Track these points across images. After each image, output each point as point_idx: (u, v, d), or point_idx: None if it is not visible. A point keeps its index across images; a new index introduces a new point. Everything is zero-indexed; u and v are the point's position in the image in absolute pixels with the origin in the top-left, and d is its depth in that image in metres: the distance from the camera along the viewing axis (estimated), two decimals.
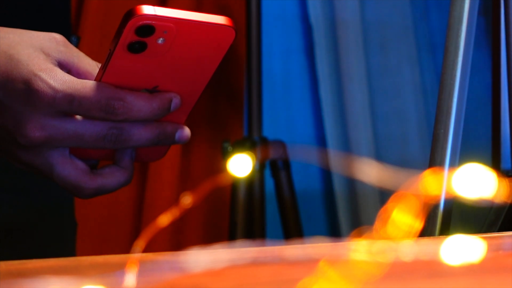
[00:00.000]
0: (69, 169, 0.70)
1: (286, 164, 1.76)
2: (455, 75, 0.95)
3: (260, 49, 1.79)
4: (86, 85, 0.67)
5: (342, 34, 1.96)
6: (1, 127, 0.69)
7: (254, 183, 1.72)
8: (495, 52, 0.97)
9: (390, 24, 1.99)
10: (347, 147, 1.95)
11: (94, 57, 0.74)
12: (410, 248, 0.52)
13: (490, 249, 0.52)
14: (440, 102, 0.95)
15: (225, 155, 1.73)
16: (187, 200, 0.61)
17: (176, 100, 0.69)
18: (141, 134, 0.69)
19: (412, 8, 2.00)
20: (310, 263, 0.49)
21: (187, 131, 0.72)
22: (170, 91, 0.69)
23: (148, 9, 0.65)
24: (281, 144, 1.78)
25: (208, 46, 0.68)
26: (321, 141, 2.00)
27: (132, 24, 0.65)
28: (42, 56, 0.68)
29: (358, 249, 0.52)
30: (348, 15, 1.96)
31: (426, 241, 0.56)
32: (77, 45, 0.93)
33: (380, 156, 1.97)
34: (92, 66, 0.71)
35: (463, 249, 0.51)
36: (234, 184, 1.72)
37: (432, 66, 2.01)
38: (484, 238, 0.55)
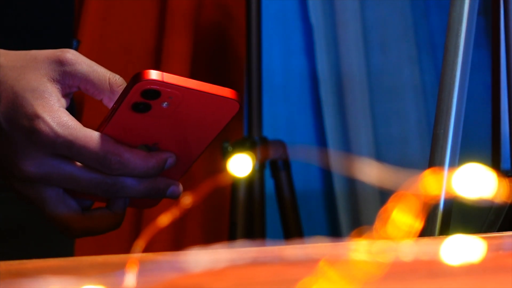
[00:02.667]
0: (61, 208, 0.71)
1: (286, 164, 1.76)
2: (455, 75, 0.95)
3: (260, 49, 1.79)
4: (87, 135, 0.68)
5: (342, 34, 1.96)
6: (2, 154, 0.70)
7: (254, 183, 1.72)
8: (494, 52, 0.97)
9: (390, 24, 1.99)
10: (347, 147, 1.95)
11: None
12: (410, 248, 0.52)
13: (490, 249, 0.52)
14: (440, 102, 0.95)
15: (225, 155, 1.73)
16: (187, 200, 0.61)
17: (171, 160, 0.71)
18: (134, 186, 0.71)
19: (412, 8, 2.00)
20: (310, 263, 0.49)
21: (179, 188, 0.73)
22: (169, 150, 0.71)
23: (156, 75, 0.66)
24: (281, 144, 1.78)
25: (210, 115, 0.69)
26: (321, 141, 2.00)
27: (138, 87, 0.66)
28: (48, 92, 0.69)
29: (358, 249, 0.52)
30: (348, 15, 1.96)
31: (426, 241, 0.56)
32: (77, 49, 0.93)
33: (380, 156, 1.97)
34: (102, 77, 0.71)
35: (463, 249, 0.51)
36: (234, 184, 1.72)
37: (432, 66, 2.01)
38: (484, 238, 0.55)
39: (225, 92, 0.68)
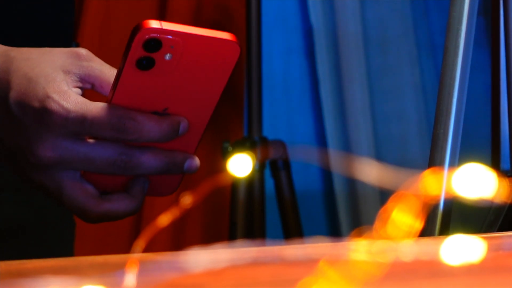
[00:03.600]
0: (78, 192, 0.70)
1: (286, 164, 1.76)
2: (454, 75, 0.95)
3: (260, 50, 1.79)
4: (98, 106, 0.68)
5: (342, 34, 1.96)
6: (15, 144, 0.70)
7: (254, 183, 1.72)
8: (494, 52, 0.97)
9: (390, 24, 1.99)
10: (347, 147, 1.96)
11: None
12: (410, 248, 0.52)
13: (490, 249, 0.52)
14: (439, 102, 0.95)
15: (225, 155, 1.73)
16: (187, 200, 0.61)
17: (184, 124, 0.70)
18: (150, 161, 0.70)
19: (412, 8, 2.00)
20: (310, 263, 0.49)
21: (196, 161, 0.73)
22: (180, 114, 0.70)
23: (154, 23, 0.66)
24: (281, 144, 1.78)
25: (214, 63, 0.68)
26: (321, 141, 2.00)
27: (139, 38, 0.66)
28: (60, 78, 0.69)
29: (358, 249, 0.52)
30: (348, 15, 1.96)
31: (426, 241, 0.56)
32: None
33: (380, 156, 1.97)
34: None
35: (463, 249, 0.51)
36: (234, 184, 1.72)
37: (432, 66, 2.01)
38: (484, 238, 0.55)
39: (224, 35, 0.68)
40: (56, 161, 0.69)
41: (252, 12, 1.78)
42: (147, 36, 0.66)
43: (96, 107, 0.68)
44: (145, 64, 0.67)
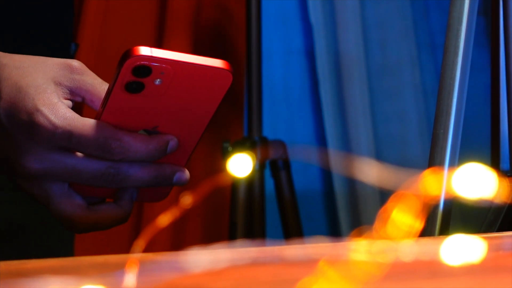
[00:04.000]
0: (65, 203, 0.70)
1: (286, 164, 1.76)
2: (454, 75, 0.95)
3: (260, 50, 1.79)
4: (86, 123, 0.68)
5: (342, 34, 1.96)
6: (3, 153, 0.70)
7: (254, 183, 1.72)
8: (494, 52, 0.97)
9: (390, 24, 1.99)
10: (347, 147, 1.95)
11: (92, 65, 0.74)
12: (410, 248, 0.52)
13: (490, 249, 0.52)
14: (439, 102, 0.95)
15: (225, 155, 1.73)
16: (187, 200, 0.61)
17: (172, 143, 0.70)
18: (138, 175, 0.70)
19: (412, 8, 2.00)
20: (310, 263, 0.49)
21: (186, 174, 0.73)
22: (169, 133, 0.70)
23: (144, 50, 0.66)
24: (281, 144, 1.78)
25: (205, 89, 0.68)
26: (321, 141, 2.00)
27: (129, 64, 0.66)
28: (51, 89, 0.69)
29: (358, 249, 0.52)
30: (348, 15, 1.96)
31: (426, 241, 0.56)
32: (75, 53, 0.93)
33: (380, 156, 1.97)
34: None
35: (463, 249, 0.51)
36: (234, 184, 1.72)
37: (432, 66, 2.01)
38: (484, 238, 0.55)
39: (217, 63, 0.67)
40: (43, 172, 0.69)
41: (252, 12, 1.78)
42: (136, 63, 0.66)
43: (84, 125, 0.68)
44: (134, 87, 0.67)
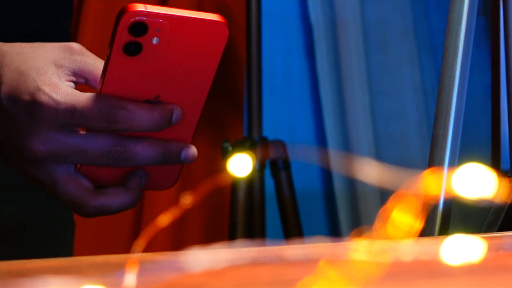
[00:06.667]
0: (72, 185, 0.70)
1: (286, 164, 1.76)
2: (454, 75, 0.95)
3: (260, 49, 1.79)
4: (88, 96, 0.67)
5: (342, 34, 1.96)
6: (8, 139, 0.69)
7: (254, 183, 1.72)
8: (494, 52, 0.97)
9: (390, 24, 1.99)
10: (347, 147, 1.96)
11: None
12: (410, 248, 0.52)
13: (490, 249, 0.52)
14: (439, 102, 0.95)
15: (225, 155, 1.73)
16: (187, 200, 0.61)
17: (177, 112, 0.69)
18: (145, 152, 0.69)
19: (412, 8, 2.00)
20: (310, 263, 0.49)
21: (193, 150, 0.71)
22: (173, 102, 0.69)
23: (139, 6, 0.65)
24: (281, 144, 1.78)
25: (203, 45, 0.67)
26: (321, 141, 2.00)
27: (125, 22, 0.65)
28: (52, 71, 0.69)
29: (358, 249, 0.52)
30: (348, 15, 1.96)
31: (426, 241, 0.56)
32: None
33: (380, 156, 1.97)
34: None
35: (463, 249, 0.51)
36: (234, 184, 1.72)
37: (432, 66, 2.01)
38: (484, 238, 0.55)
39: (212, 16, 0.67)
40: (49, 154, 0.68)
41: (252, 12, 1.78)
42: (132, 20, 0.65)
43: (86, 98, 0.67)
44: (132, 49, 0.66)
